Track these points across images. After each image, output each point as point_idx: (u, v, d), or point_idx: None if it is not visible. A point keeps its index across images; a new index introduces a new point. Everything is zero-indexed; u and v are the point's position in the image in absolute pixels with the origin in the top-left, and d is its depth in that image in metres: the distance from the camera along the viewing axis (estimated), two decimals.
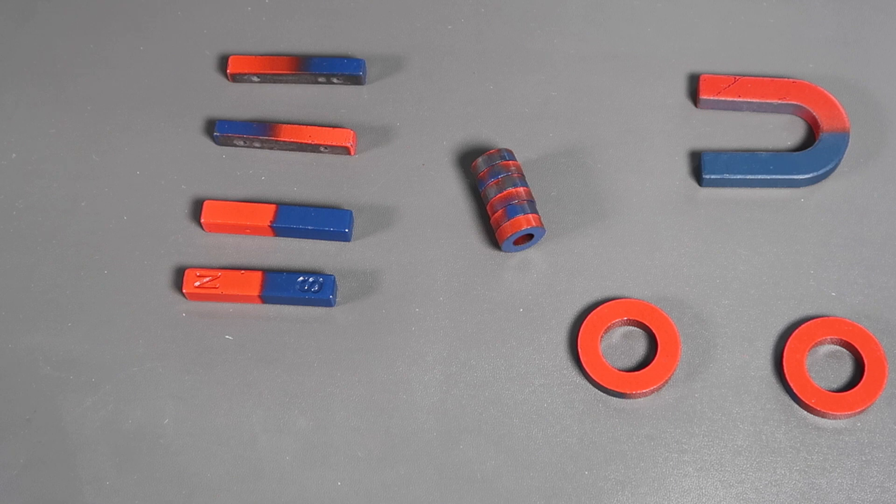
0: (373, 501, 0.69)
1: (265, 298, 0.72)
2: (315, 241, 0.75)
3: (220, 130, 0.77)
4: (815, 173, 0.74)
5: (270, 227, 0.74)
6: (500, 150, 0.74)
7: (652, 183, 0.76)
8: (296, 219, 0.74)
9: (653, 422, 0.70)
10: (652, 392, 0.70)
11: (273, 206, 0.74)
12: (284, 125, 0.77)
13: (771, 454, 0.69)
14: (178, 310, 0.73)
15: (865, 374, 0.70)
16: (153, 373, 0.72)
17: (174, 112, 0.79)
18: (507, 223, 0.72)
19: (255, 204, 0.75)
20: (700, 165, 0.75)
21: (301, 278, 0.72)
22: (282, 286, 0.72)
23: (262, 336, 0.73)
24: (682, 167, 0.76)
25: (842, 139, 0.75)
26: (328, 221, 0.74)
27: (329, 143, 0.76)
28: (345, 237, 0.74)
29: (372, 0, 0.82)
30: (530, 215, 0.72)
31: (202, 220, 0.75)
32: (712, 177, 0.75)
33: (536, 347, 0.72)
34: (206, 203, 0.75)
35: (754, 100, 0.76)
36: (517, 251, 0.74)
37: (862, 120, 0.77)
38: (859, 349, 0.70)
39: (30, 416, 0.71)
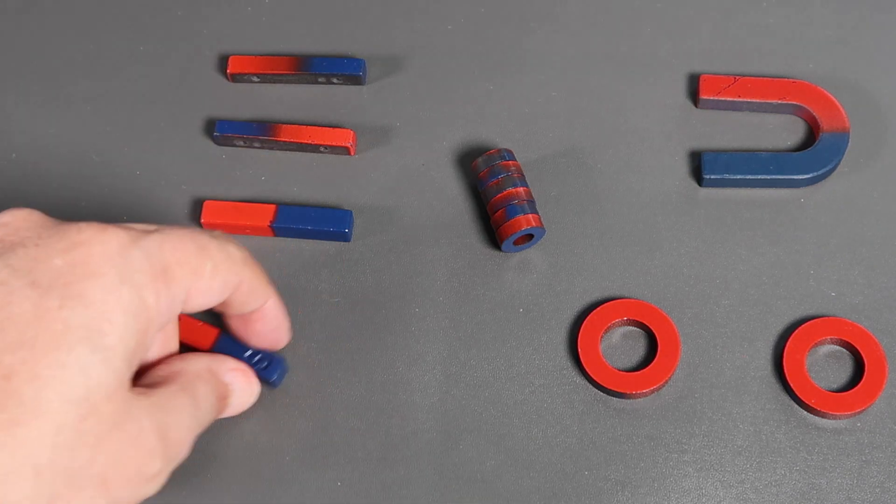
0: (373, 501, 0.69)
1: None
2: (315, 241, 0.75)
3: (220, 130, 0.77)
4: (815, 173, 0.74)
5: (270, 227, 0.74)
6: (500, 150, 0.74)
7: (652, 183, 0.76)
8: (296, 219, 0.74)
9: (653, 422, 0.70)
10: (652, 392, 0.70)
11: (273, 207, 0.74)
12: (284, 125, 0.77)
13: (771, 454, 0.69)
14: None
15: (865, 374, 0.70)
16: None
17: (174, 112, 0.79)
18: (507, 223, 0.72)
19: (255, 204, 0.75)
20: (700, 165, 0.75)
21: (249, 352, 0.69)
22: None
23: None
24: (682, 167, 0.76)
25: (842, 139, 0.75)
26: (328, 221, 0.74)
27: (329, 143, 0.76)
28: (345, 237, 0.74)
29: (372, 0, 0.82)
30: (530, 215, 0.72)
31: (202, 221, 0.75)
32: (712, 177, 0.75)
33: (536, 347, 0.72)
34: (206, 203, 0.75)
35: (754, 100, 0.76)
36: (517, 251, 0.74)
37: (862, 120, 0.77)
38: (859, 349, 0.70)
39: None
